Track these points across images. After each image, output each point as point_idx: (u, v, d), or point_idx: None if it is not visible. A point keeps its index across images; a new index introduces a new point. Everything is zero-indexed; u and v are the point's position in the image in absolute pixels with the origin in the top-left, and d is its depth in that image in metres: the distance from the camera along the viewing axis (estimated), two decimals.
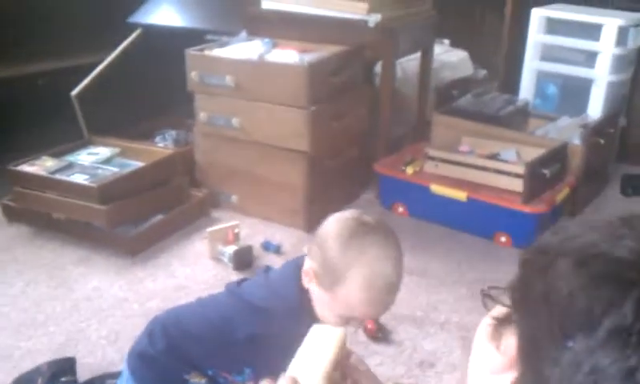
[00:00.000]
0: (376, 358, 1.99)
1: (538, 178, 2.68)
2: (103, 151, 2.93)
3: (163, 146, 3.13)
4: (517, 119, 3.16)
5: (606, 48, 3.17)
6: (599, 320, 0.44)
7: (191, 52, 2.85)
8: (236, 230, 2.57)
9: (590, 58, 3.24)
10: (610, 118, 3.20)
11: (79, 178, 2.66)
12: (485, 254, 2.64)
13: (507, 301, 0.55)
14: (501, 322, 0.55)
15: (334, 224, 1.22)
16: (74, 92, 3.17)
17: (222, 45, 2.99)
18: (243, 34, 3.10)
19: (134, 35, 3.39)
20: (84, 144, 3.00)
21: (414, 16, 3.21)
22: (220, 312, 1.35)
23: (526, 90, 3.45)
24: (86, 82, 3.21)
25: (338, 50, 2.87)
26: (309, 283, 1.24)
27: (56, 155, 2.83)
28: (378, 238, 1.19)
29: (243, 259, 2.50)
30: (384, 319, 2.12)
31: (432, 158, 2.89)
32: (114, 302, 2.28)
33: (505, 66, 3.85)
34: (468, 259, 2.60)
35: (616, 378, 0.43)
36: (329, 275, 1.19)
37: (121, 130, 3.08)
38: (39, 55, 3.25)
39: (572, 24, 3.26)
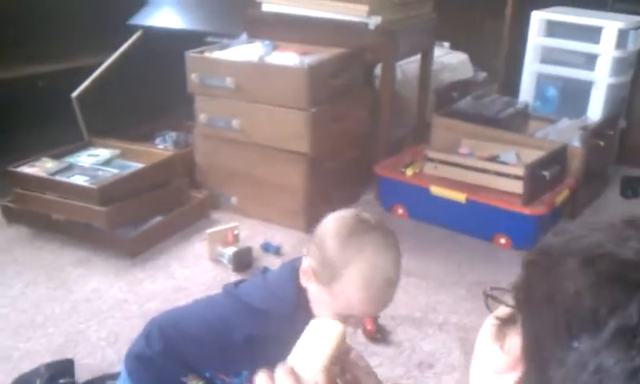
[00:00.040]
0: (375, 359, 1.98)
1: (538, 179, 2.68)
2: (103, 153, 2.93)
3: (163, 147, 3.14)
4: (517, 121, 3.16)
5: (606, 51, 3.17)
6: (605, 320, 0.44)
7: (191, 54, 2.86)
8: (236, 232, 2.57)
9: (589, 60, 3.25)
10: (609, 121, 3.20)
11: (79, 180, 2.66)
12: (484, 256, 2.64)
13: (510, 301, 0.55)
14: (504, 322, 0.56)
15: (333, 222, 1.22)
16: (75, 93, 3.17)
17: (223, 47, 3.00)
18: (243, 36, 3.11)
19: (134, 37, 3.40)
20: (84, 145, 3.01)
21: (414, 18, 3.21)
22: (217, 313, 1.34)
23: (526, 92, 3.45)
24: (86, 83, 3.21)
25: (339, 52, 2.87)
26: (307, 282, 1.24)
27: (56, 157, 2.83)
28: (376, 236, 1.19)
29: (243, 261, 2.50)
30: (383, 320, 2.13)
31: (432, 160, 2.90)
32: (114, 303, 2.28)
33: (505, 68, 3.86)
34: (468, 261, 2.60)
35: (620, 378, 0.43)
36: (327, 273, 1.19)
37: (121, 131, 3.08)
38: (39, 56, 3.26)
39: (572, 27, 3.27)
